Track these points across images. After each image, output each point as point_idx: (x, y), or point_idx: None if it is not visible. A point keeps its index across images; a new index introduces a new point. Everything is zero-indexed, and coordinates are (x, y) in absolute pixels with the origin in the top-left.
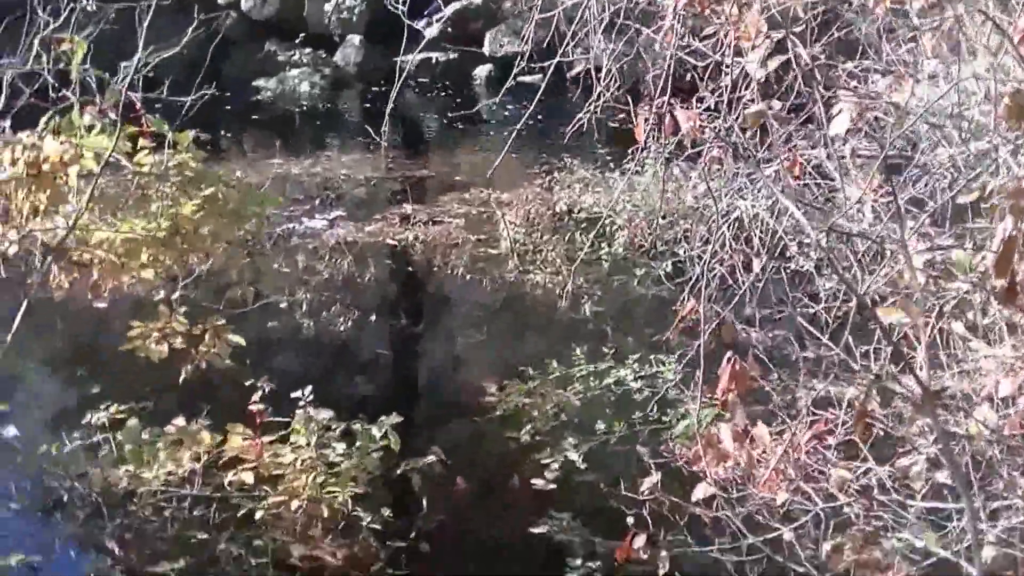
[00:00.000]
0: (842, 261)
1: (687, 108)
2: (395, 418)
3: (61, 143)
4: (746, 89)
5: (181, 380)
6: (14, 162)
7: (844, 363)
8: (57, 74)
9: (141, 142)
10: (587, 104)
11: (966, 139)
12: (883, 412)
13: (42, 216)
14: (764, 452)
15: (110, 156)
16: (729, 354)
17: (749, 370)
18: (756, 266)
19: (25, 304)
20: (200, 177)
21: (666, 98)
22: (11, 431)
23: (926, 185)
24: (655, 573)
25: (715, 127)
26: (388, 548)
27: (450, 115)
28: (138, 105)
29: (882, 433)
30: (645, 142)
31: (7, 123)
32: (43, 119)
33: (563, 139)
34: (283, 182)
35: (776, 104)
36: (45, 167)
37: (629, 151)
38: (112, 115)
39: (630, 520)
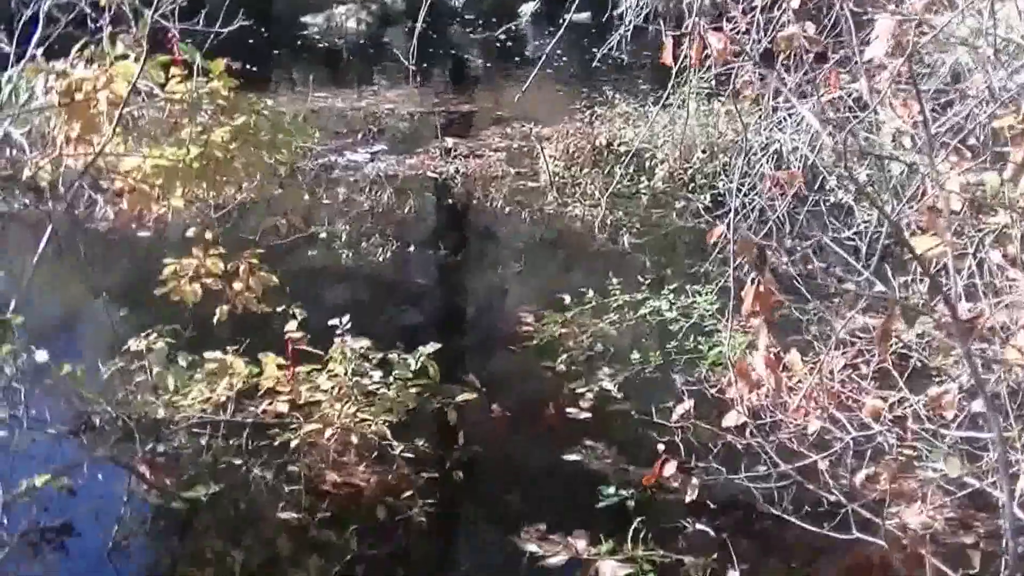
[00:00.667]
0: (881, 192)
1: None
2: (432, 347)
3: (94, 72)
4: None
5: (216, 318)
6: (48, 91)
7: (880, 295)
8: (94, 4)
9: (173, 70)
10: (617, 30)
11: (1006, 65)
12: (918, 343)
13: (75, 144)
14: (798, 381)
15: (138, 80)
16: (753, 275)
17: (773, 292)
18: (789, 193)
19: (49, 230)
20: (233, 106)
21: (694, 19)
22: (43, 355)
23: (967, 116)
24: (688, 498)
25: (746, 50)
26: (421, 476)
27: (471, 34)
28: (171, 34)
29: (919, 364)
30: (677, 69)
31: (39, 51)
32: (75, 47)
33: (604, 73)
34: (327, 116)
35: (810, 27)
36: (78, 95)
37: (669, 85)
38: (144, 44)
39: (662, 447)
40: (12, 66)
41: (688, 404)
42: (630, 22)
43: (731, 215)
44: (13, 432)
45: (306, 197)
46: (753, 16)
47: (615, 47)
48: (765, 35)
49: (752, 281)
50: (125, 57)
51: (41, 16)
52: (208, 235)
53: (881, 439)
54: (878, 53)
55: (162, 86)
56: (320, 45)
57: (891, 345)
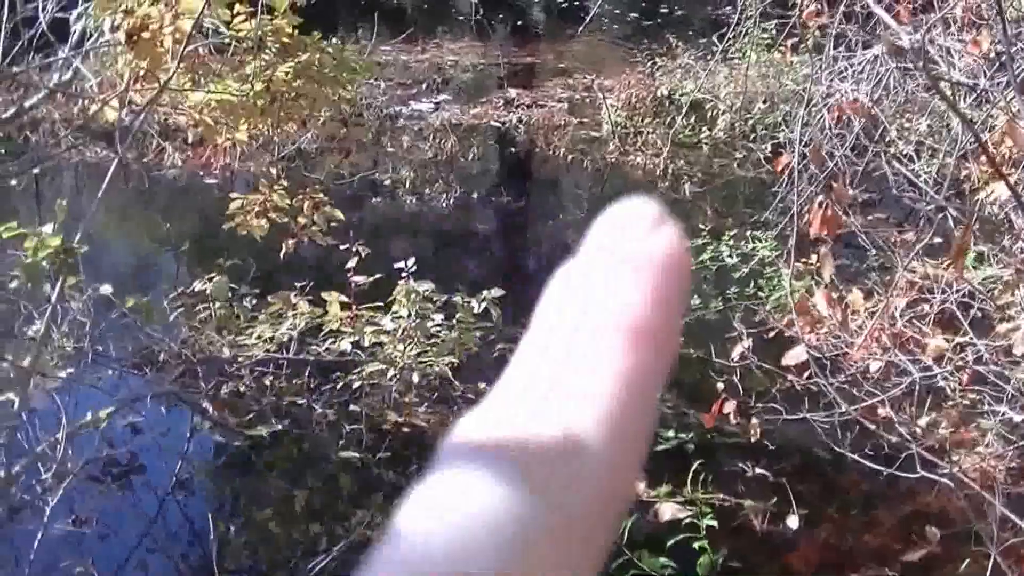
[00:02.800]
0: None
1: None
2: (496, 292)
3: (160, 10)
4: None
5: (282, 254)
6: (115, 29)
7: (959, 207)
8: None
9: (238, 8)
10: None
11: None
12: (981, 290)
13: (142, 81)
14: (860, 326)
15: (203, 18)
16: (820, 198)
17: (840, 213)
18: (856, 126)
19: (116, 163)
20: (297, 44)
21: None
22: (108, 289)
23: None
24: (748, 442)
25: None
26: None
27: None
28: None
29: (979, 314)
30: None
31: None
32: None
33: (664, 27)
34: (392, 68)
35: None
36: (145, 34)
37: (729, 33)
38: None
39: (721, 386)
40: (81, 4)
41: (748, 343)
42: None
43: (794, 161)
44: (78, 365)
45: (370, 135)
46: None
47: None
48: None
49: (819, 204)
50: None
51: None
52: (273, 171)
53: (943, 383)
54: None
55: (227, 24)
56: (385, 1)
57: (963, 266)
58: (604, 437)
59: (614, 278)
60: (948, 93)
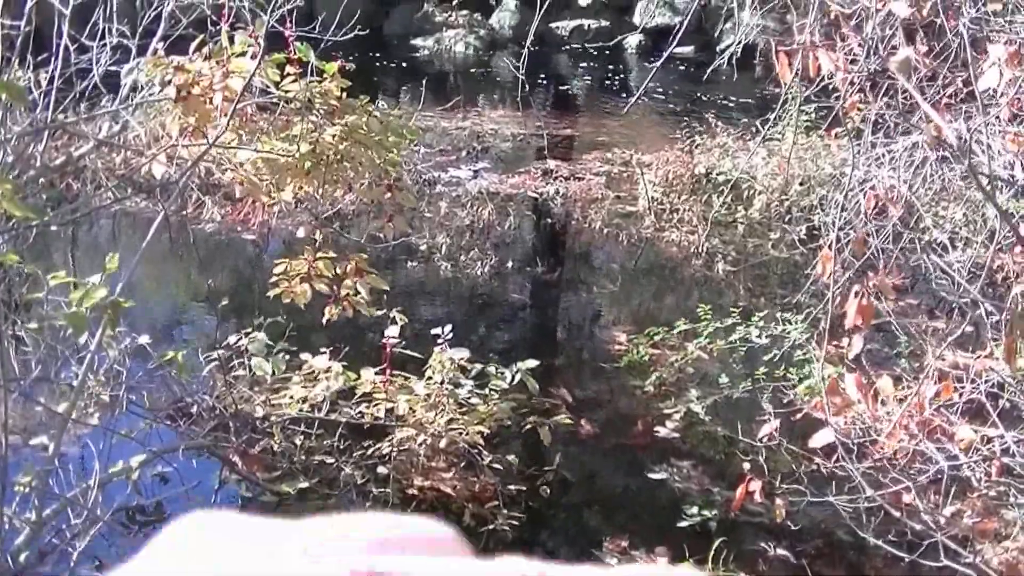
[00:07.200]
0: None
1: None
2: (530, 363)
3: (211, 68)
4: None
5: (324, 320)
6: (166, 84)
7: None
8: (216, 8)
9: (288, 69)
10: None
11: None
12: (1013, 382)
13: (189, 136)
14: (888, 412)
15: (254, 76)
16: (856, 288)
17: (880, 298)
18: (893, 216)
19: (161, 217)
20: (345, 107)
21: (808, 37)
22: (145, 338)
23: None
24: (771, 522)
25: (858, 70)
26: (509, 488)
27: (576, 62)
28: (287, 35)
29: (1007, 405)
30: (781, 102)
31: (161, 46)
32: (194, 43)
33: (705, 106)
34: (432, 134)
35: (922, 48)
36: (195, 90)
37: (772, 117)
38: (261, 42)
39: (747, 466)
40: (133, 59)
41: (775, 424)
42: (732, 53)
43: (830, 247)
44: (112, 413)
45: (409, 200)
46: (864, 38)
47: (718, 87)
48: (874, 56)
49: (855, 294)
50: (243, 55)
51: (164, 15)
52: (318, 236)
53: (970, 472)
54: (993, 83)
55: (276, 84)
56: (428, 67)
57: (1016, 364)
58: None
59: None
60: (987, 186)
